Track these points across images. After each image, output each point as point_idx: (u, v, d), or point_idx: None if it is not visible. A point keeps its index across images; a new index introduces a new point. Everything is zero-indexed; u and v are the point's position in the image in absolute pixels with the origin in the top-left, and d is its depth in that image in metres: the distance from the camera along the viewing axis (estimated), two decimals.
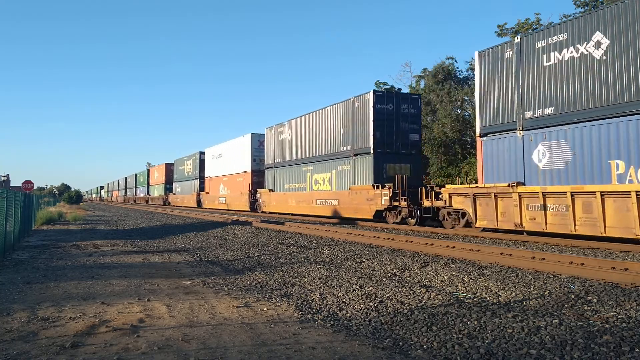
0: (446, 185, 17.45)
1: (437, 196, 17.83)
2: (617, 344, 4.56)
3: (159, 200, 64.87)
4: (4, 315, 5.88)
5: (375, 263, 9.87)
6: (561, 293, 6.71)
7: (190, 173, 52.25)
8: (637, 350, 4.40)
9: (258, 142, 35.82)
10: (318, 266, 9.58)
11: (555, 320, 5.33)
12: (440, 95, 37.69)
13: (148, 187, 72.71)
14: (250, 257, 11.32)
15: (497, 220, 14.65)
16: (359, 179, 22.83)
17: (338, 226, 19.09)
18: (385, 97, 22.62)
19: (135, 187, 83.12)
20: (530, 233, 14.00)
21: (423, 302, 6.44)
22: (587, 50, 13.10)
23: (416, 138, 23.14)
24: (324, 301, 6.61)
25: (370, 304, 6.38)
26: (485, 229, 15.61)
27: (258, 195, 33.75)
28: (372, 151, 21.89)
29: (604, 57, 12.70)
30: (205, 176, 46.37)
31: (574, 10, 30.49)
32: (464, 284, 7.60)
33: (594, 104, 12.88)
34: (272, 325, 5.39)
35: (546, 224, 13.19)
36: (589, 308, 5.93)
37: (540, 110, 14.27)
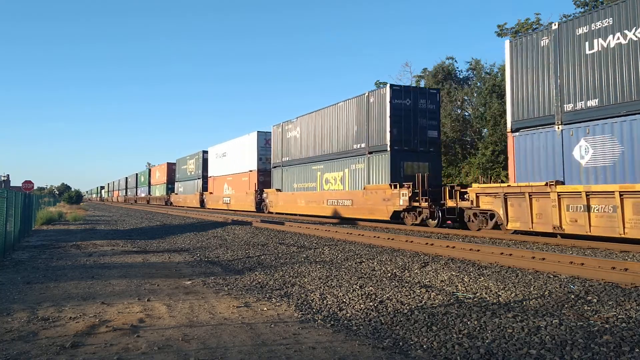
0: (473, 185, 16.58)
1: (462, 196, 16.81)
2: (617, 344, 4.56)
3: (160, 200, 64.30)
4: (4, 315, 5.88)
5: (375, 263, 9.87)
6: (561, 293, 6.71)
7: (193, 172, 51.44)
8: (637, 350, 4.40)
9: (264, 141, 34.82)
10: (318, 266, 9.58)
11: (555, 320, 5.33)
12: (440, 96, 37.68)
13: (149, 187, 72.22)
14: (250, 257, 11.33)
15: (532, 223, 13.66)
16: (374, 178, 21.77)
17: (338, 226, 19.08)
18: (403, 92, 21.40)
19: (136, 187, 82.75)
20: (564, 236, 13.08)
21: (423, 302, 6.44)
22: (636, 37, 12.07)
23: (435, 135, 21.92)
24: (324, 301, 6.61)
25: (370, 304, 6.38)
26: (517, 232, 14.60)
27: (264, 195, 32.86)
28: (388, 149, 20.76)
29: None
30: (209, 176, 45.45)
31: (574, 10, 30.53)
32: (464, 284, 7.60)
33: None
34: (272, 325, 5.39)
35: (590, 226, 12.20)
36: (589, 308, 5.93)
37: (582, 102, 13.16)
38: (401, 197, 19.37)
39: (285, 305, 6.38)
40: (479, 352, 4.44)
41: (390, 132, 20.80)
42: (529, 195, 13.76)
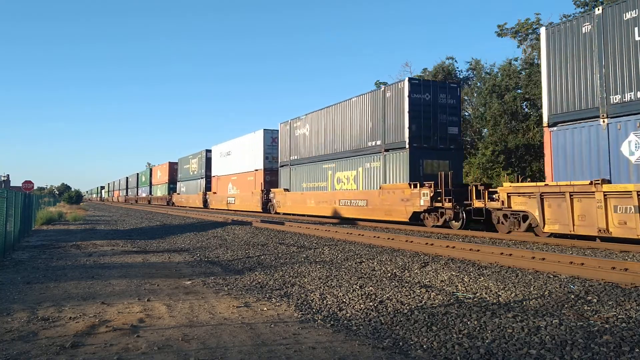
0: (504, 184, 15.35)
1: (491, 196, 15.77)
2: (617, 344, 4.56)
3: (162, 200, 63.42)
4: (4, 315, 5.88)
5: (375, 263, 9.87)
6: (561, 293, 6.71)
7: (195, 172, 50.59)
8: (637, 350, 4.40)
9: (271, 139, 33.73)
10: (318, 266, 9.58)
11: (555, 320, 5.33)
12: None
13: (150, 187, 71.46)
14: (250, 257, 11.33)
15: (574, 225, 12.52)
16: (391, 177, 20.61)
17: (338, 226, 19.08)
18: (422, 86, 20.26)
19: (137, 187, 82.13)
20: (606, 239, 12.22)
21: (423, 302, 6.44)
22: None
23: (455, 131, 20.71)
24: (324, 301, 6.62)
25: (370, 304, 6.38)
26: (554, 235, 13.49)
27: (272, 195, 31.80)
28: (407, 146, 19.62)
29: None
30: (212, 175, 44.56)
31: (574, 10, 30.51)
32: (464, 284, 7.60)
33: None
34: (272, 325, 5.39)
35: None
36: (589, 308, 5.93)
37: (632, 93, 12.04)
38: (422, 197, 18.27)
39: (285, 305, 6.38)
40: (479, 352, 4.44)
41: (409, 128, 19.67)
42: (570, 195, 12.62)
